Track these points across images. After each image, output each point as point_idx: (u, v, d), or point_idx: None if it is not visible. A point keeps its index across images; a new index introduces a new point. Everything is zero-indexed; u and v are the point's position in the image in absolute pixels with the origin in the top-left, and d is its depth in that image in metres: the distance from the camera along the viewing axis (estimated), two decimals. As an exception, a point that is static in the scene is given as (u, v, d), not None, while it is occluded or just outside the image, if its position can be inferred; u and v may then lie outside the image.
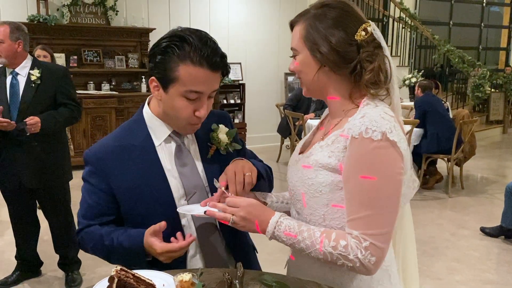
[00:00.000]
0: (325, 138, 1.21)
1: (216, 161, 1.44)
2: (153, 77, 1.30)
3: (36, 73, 2.84)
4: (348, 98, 1.20)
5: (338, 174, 1.14)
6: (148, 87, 6.70)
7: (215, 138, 1.45)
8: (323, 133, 1.29)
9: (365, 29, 1.15)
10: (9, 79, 2.85)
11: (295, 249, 1.17)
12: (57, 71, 2.98)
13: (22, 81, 2.84)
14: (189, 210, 1.30)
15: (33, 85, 2.83)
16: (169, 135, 1.39)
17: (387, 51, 1.19)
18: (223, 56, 1.30)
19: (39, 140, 2.83)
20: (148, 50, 6.71)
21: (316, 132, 1.37)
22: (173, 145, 1.40)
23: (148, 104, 1.42)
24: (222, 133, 1.46)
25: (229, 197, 1.22)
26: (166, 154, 1.38)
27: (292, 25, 1.24)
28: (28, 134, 2.73)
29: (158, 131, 1.38)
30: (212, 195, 1.36)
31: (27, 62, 2.88)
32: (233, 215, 1.18)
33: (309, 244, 1.13)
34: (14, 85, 2.84)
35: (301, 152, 1.29)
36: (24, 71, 2.85)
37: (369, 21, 1.18)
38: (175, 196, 1.36)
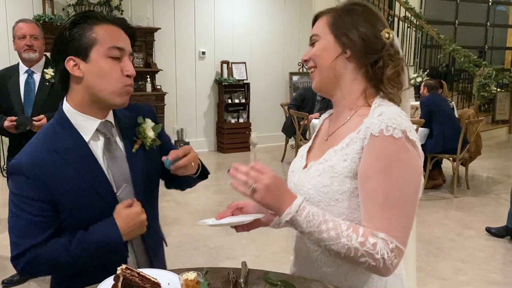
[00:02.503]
0: (336, 142, 1.18)
1: (140, 154, 1.42)
2: (69, 57, 1.27)
3: (50, 72, 2.89)
4: (360, 94, 1.20)
5: (354, 179, 1.13)
6: (153, 86, 6.76)
7: (142, 132, 1.42)
8: (326, 133, 1.28)
9: (388, 33, 1.18)
10: (23, 77, 2.90)
11: (311, 238, 1.09)
12: None
13: (37, 80, 2.89)
14: (207, 222, 1.30)
15: (47, 83, 2.88)
16: (96, 129, 1.34)
17: (404, 62, 1.21)
18: (127, 21, 1.37)
19: None
20: (153, 49, 6.70)
21: (317, 136, 1.36)
22: (101, 139, 1.35)
23: (64, 105, 1.35)
24: (149, 128, 1.43)
25: (258, 162, 1.11)
26: (96, 148, 1.34)
27: (316, 18, 1.25)
28: (28, 128, 2.75)
29: (85, 127, 1.32)
30: (135, 190, 1.37)
31: (42, 61, 2.93)
32: (255, 182, 1.07)
33: (333, 235, 1.05)
34: (30, 83, 2.89)
35: (308, 158, 1.28)
36: (39, 70, 2.90)
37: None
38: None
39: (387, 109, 1.12)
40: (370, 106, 1.17)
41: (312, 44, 1.23)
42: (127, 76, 1.29)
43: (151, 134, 1.42)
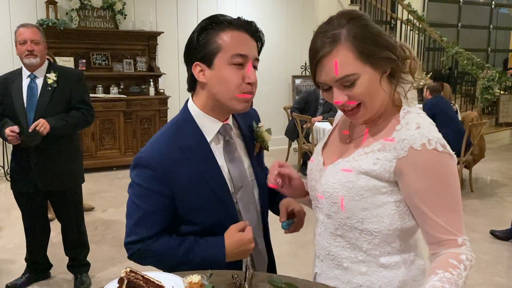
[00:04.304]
0: (367, 143, 1.19)
1: (259, 157, 1.51)
2: (196, 62, 1.31)
3: (52, 76, 2.88)
4: (388, 101, 1.20)
5: (380, 181, 1.15)
6: (156, 90, 6.78)
7: (260, 136, 1.48)
8: (345, 129, 1.29)
9: None
10: (26, 82, 2.90)
11: None
12: (72, 75, 3.02)
13: (39, 84, 2.89)
14: None
15: (49, 88, 2.88)
16: (218, 131, 1.38)
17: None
18: (256, 25, 1.36)
19: (52, 144, 2.87)
20: (156, 53, 6.73)
21: (333, 133, 1.37)
22: (221, 141, 1.40)
23: (190, 104, 1.41)
24: (264, 131, 1.50)
25: None
26: (216, 149, 1.39)
27: (321, 58, 1.10)
28: (40, 134, 2.74)
29: (208, 127, 1.37)
30: (259, 191, 1.46)
31: (44, 65, 2.93)
32: None
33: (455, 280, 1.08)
34: (32, 88, 2.89)
35: (326, 156, 1.30)
36: (41, 74, 2.90)
37: None
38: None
39: (422, 121, 1.14)
40: (397, 107, 1.19)
41: (348, 85, 1.10)
42: (248, 83, 1.30)
43: (267, 137, 1.50)
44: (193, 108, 1.38)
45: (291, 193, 1.41)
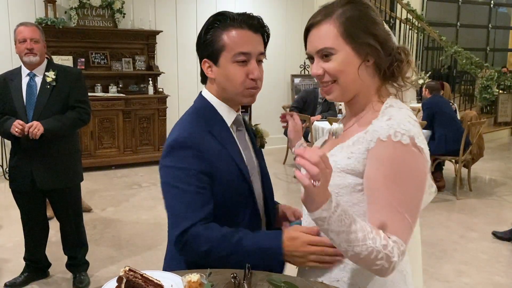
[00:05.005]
0: (345, 139, 1.20)
1: (260, 149, 1.56)
2: (204, 59, 1.38)
3: (51, 74, 2.89)
4: (374, 94, 1.20)
5: (357, 176, 1.13)
6: (155, 89, 6.77)
7: (260, 132, 1.54)
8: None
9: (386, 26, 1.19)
10: (25, 80, 2.90)
11: (336, 238, 1.03)
12: (71, 73, 3.03)
13: (38, 83, 2.89)
14: None
15: (48, 86, 2.88)
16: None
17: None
18: (260, 19, 1.39)
19: (51, 142, 2.87)
20: (155, 52, 6.73)
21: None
22: (234, 129, 1.45)
23: (206, 93, 1.44)
24: (263, 130, 1.56)
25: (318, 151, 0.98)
26: (234, 135, 1.43)
27: (310, 27, 1.17)
28: (32, 137, 2.75)
29: (226, 115, 1.41)
30: (261, 179, 1.48)
31: (44, 64, 2.93)
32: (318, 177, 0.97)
33: (360, 237, 1.02)
34: (32, 86, 2.89)
35: None
36: (41, 72, 2.90)
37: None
38: None
39: (396, 113, 1.12)
40: (383, 103, 1.18)
41: (323, 57, 1.16)
42: (252, 79, 1.35)
43: (267, 134, 1.55)
44: (210, 97, 1.42)
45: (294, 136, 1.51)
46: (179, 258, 1.35)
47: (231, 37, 1.33)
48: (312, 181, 0.95)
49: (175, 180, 1.30)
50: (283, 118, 1.74)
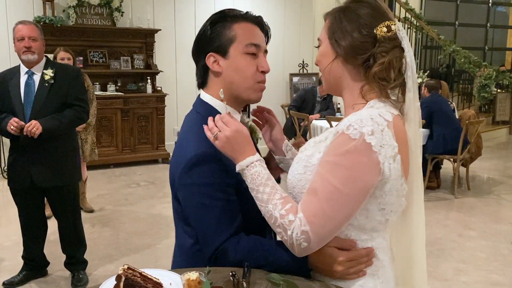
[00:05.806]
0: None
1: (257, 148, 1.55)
2: (210, 53, 1.35)
3: (49, 72, 2.88)
4: (359, 93, 1.20)
5: None
6: (153, 87, 6.76)
7: (254, 130, 1.55)
8: None
9: (388, 26, 1.15)
10: (24, 78, 2.90)
11: (253, 195, 1.18)
12: (70, 72, 3.03)
13: (37, 81, 2.89)
14: None
15: (46, 84, 2.88)
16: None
17: (410, 52, 1.18)
18: (263, 18, 1.41)
19: (50, 140, 2.86)
20: (154, 51, 6.71)
21: None
22: None
23: (207, 97, 1.39)
24: (255, 126, 1.56)
25: (226, 115, 1.21)
26: None
27: (325, 19, 1.27)
28: (30, 136, 2.75)
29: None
30: None
31: (42, 62, 2.93)
32: (220, 131, 1.18)
33: (265, 198, 1.14)
34: (30, 84, 2.89)
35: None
36: (39, 70, 2.90)
37: (396, 20, 1.18)
38: None
39: (365, 110, 1.13)
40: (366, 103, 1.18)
41: (318, 47, 1.26)
42: (262, 72, 1.36)
43: (259, 131, 1.56)
44: (213, 101, 1.37)
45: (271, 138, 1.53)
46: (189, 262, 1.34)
47: (242, 28, 1.33)
48: (210, 133, 1.19)
49: (201, 196, 1.25)
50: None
